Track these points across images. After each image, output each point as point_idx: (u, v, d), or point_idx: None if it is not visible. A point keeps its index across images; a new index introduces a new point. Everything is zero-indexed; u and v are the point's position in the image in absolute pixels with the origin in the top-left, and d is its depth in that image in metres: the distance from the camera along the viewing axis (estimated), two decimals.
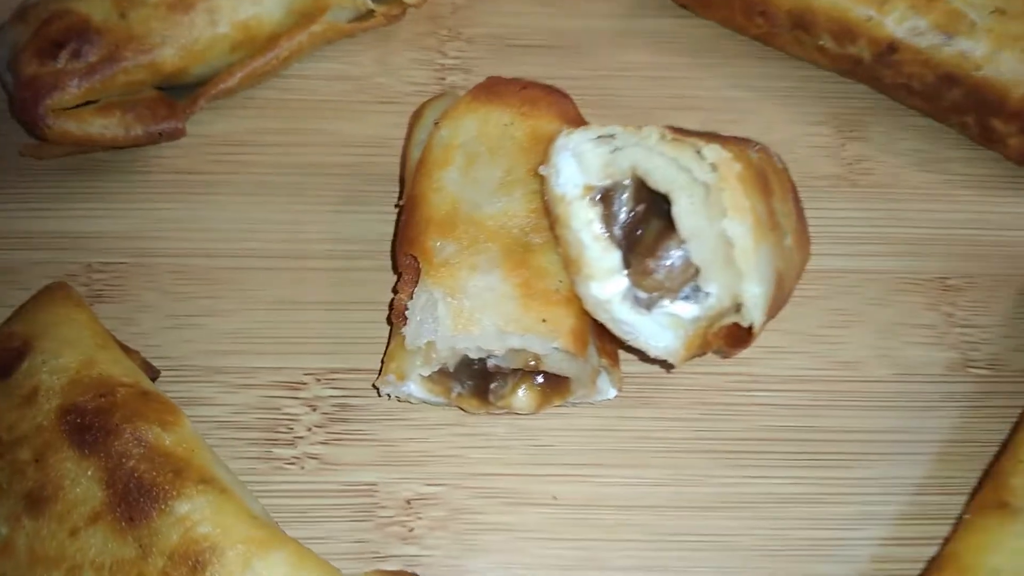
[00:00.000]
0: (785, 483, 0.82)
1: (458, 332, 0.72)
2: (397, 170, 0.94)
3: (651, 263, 0.71)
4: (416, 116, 0.89)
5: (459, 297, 0.73)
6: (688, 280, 0.70)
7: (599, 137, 0.71)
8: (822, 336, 0.90)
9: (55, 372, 0.72)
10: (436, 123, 0.83)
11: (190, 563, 0.63)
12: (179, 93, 0.96)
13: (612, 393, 0.80)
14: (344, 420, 0.83)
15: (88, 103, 0.90)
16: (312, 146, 0.97)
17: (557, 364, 0.75)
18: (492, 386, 0.78)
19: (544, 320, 0.72)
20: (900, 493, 0.82)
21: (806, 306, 0.90)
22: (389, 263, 0.91)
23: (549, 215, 0.75)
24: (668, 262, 0.70)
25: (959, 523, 0.77)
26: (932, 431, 0.85)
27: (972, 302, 0.92)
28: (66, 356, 0.73)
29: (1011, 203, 0.97)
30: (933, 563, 0.75)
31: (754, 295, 0.67)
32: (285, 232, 0.92)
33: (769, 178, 0.76)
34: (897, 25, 0.96)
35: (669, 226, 0.69)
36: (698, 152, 0.67)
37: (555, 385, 0.79)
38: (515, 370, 0.77)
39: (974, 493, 0.78)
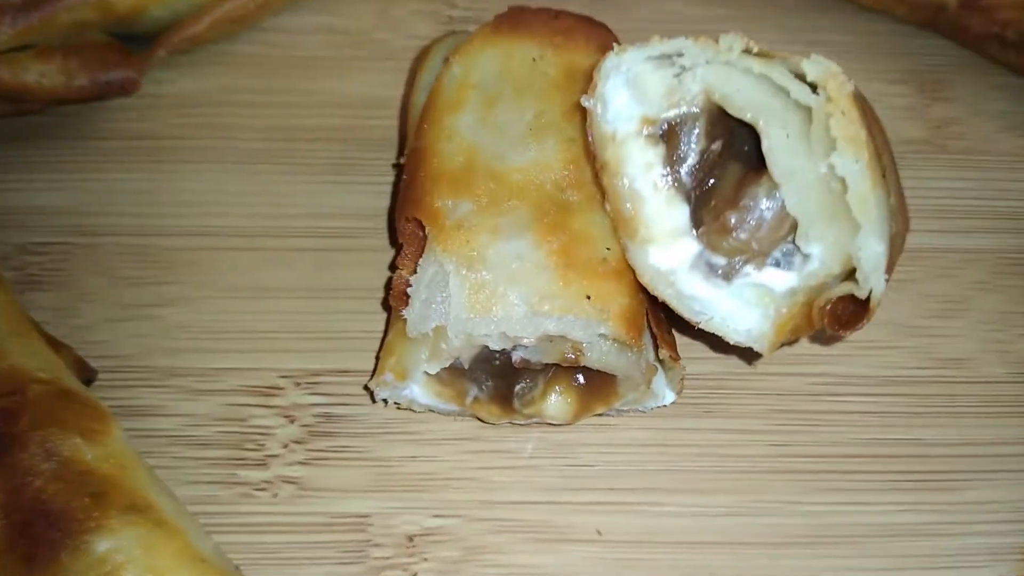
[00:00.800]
0: (885, 511, 0.74)
1: (476, 314, 0.63)
2: (394, 135, 0.89)
3: (731, 218, 0.60)
4: (421, 57, 0.82)
5: (477, 269, 0.64)
6: (781, 239, 0.60)
7: (660, 56, 0.61)
8: (921, 327, 0.82)
9: None
10: (446, 60, 0.73)
11: None
12: (137, 45, 0.88)
13: (670, 397, 0.72)
14: (329, 434, 0.76)
15: (25, 48, 0.83)
16: (295, 107, 0.90)
17: (603, 357, 0.66)
18: (518, 388, 0.70)
19: (588, 297, 0.63)
20: None
21: (900, 291, 0.82)
22: (385, 241, 0.84)
23: (594, 162, 0.66)
24: (754, 216, 0.60)
25: None
26: None
27: None
28: None
29: None
30: None
31: (875, 253, 0.56)
32: (260, 207, 0.85)
33: (871, 122, 0.64)
34: None
35: (756, 169, 0.59)
36: (794, 69, 0.54)
37: (598, 387, 0.71)
38: (548, 366, 0.69)
39: None
